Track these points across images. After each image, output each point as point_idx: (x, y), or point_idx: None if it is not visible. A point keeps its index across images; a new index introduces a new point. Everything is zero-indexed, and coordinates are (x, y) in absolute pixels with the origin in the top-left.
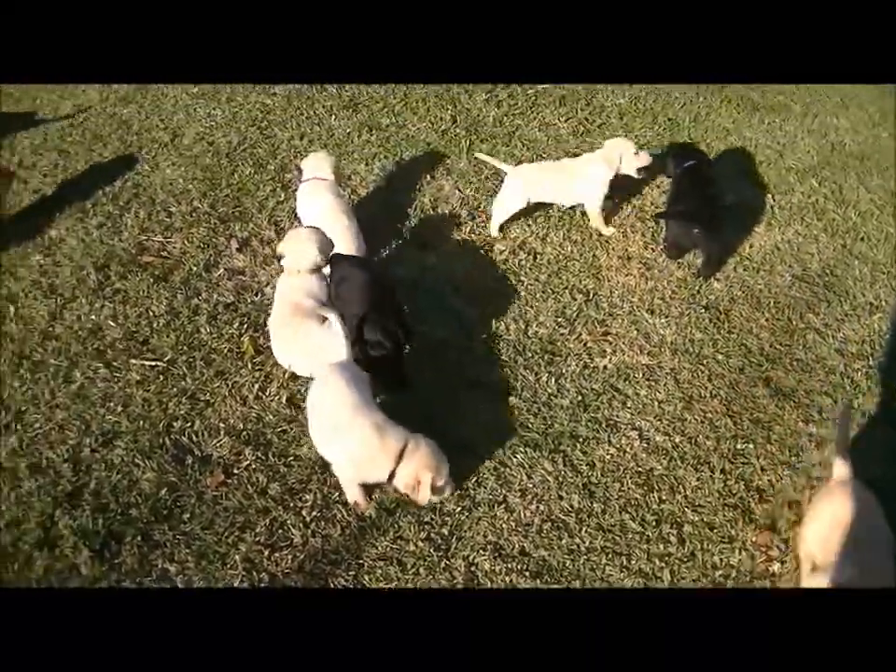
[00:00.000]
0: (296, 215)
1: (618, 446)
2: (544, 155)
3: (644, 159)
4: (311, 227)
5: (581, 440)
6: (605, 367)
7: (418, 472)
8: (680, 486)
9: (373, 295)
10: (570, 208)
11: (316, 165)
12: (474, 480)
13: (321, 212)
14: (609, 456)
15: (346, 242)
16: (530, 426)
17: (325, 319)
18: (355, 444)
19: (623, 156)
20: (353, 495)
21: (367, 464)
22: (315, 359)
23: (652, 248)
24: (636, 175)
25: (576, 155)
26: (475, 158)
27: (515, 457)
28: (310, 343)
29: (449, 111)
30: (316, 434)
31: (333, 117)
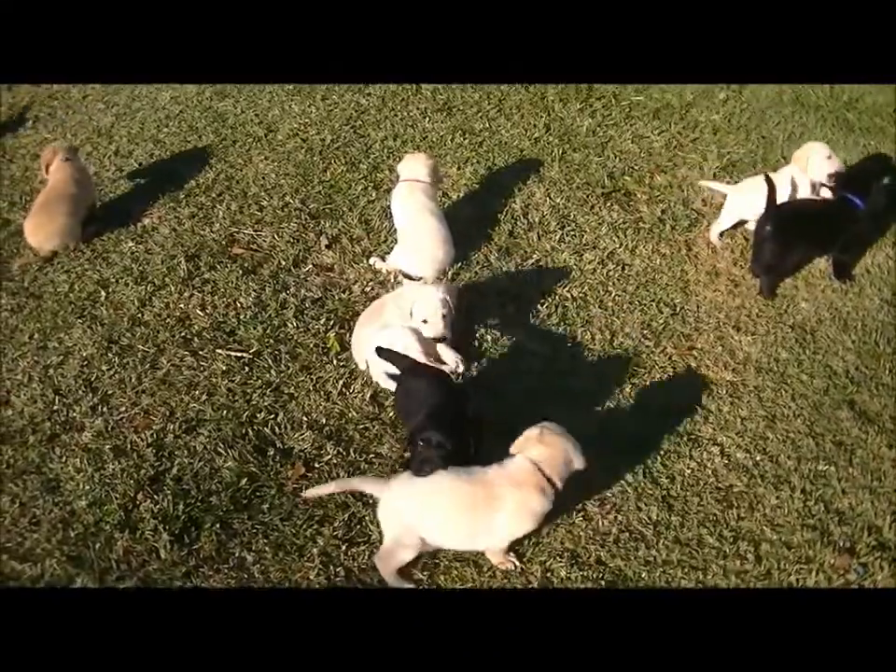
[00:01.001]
0: (387, 214)
1: (699, 460)
2: (635, 168)
3: (835, 164)
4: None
5: (662, 452)
6: (689, 381)
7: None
8: (759, 504)
9: (434, 409)
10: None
11: (414, 167)
12: None
13: (414, 214)
14: (689, 470)
15: (436, 246)
16: (612, 436)
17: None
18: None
19: (813, 160)
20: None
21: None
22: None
23: (741, 265)
24: (826, 182)
25: (665, 171)
26: (699, 186)
27: (596, 465)
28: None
29: (543, 119)
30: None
31: (427, 119)
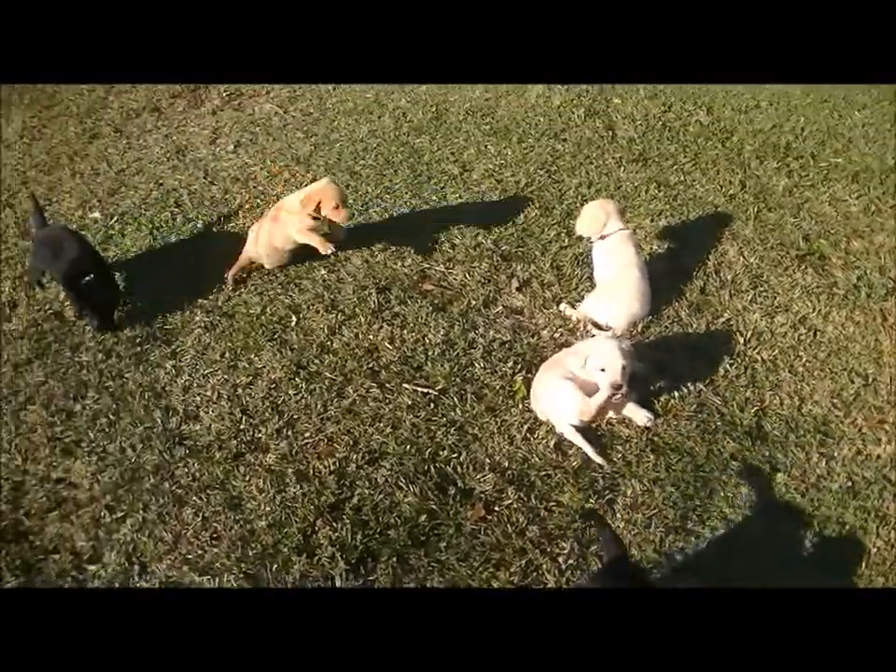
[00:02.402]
0: (579, 261)
1: (885, 539)
2: (831, 231)
3: None
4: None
5: (847, 527)
6: (878, 455)
7: None
8: None
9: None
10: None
11: (619, 218)
12: (735, 552)
13: (620, 264)
14: (875, 549)
15: (634, 298)
16: (795, 505)
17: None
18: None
19: None
20: None
21: None
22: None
23: None
24: None
25: (862, 236)
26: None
27: (778, 535)
28: (549, 395)
29: (738, 175)
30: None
31: (622, 168)
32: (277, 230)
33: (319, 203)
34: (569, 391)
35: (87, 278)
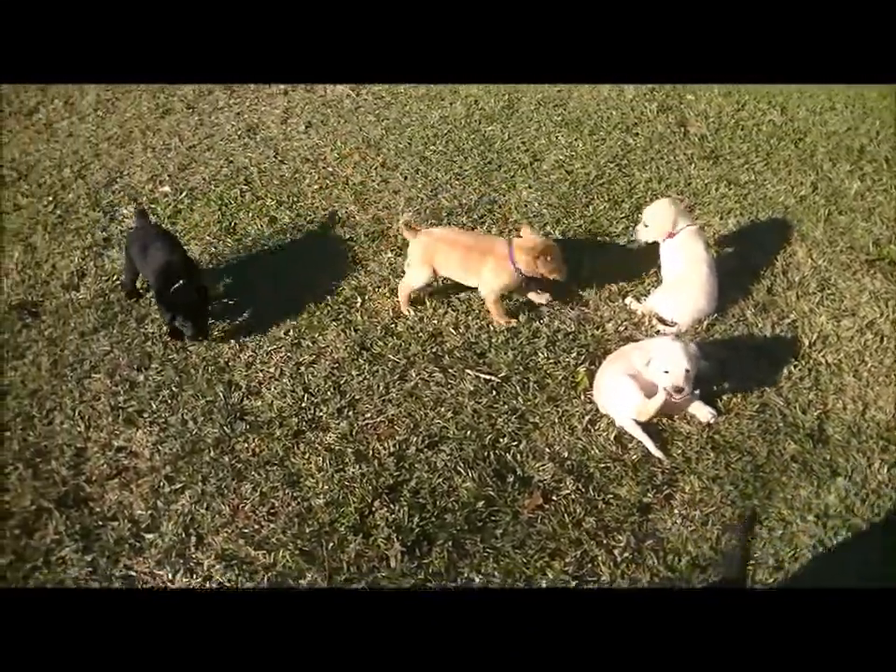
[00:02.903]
0: (647, 255)
1: None
2: None
3: None
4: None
5: None
6: None
7: None
8: None
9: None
10: None
11: (682, 215)
12: (791, 554)
13: (690, 260)
14: None
15: (701, 296)
16: (855, 510)
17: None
18: None
19: None
20: None
21: None
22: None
23: None
24: None
25: None
26: None
27: (836, 539)
28: (611, 389)
29: (810, 177)
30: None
31: (693, 165)
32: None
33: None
34: (631, 388)
35: (177, 284)
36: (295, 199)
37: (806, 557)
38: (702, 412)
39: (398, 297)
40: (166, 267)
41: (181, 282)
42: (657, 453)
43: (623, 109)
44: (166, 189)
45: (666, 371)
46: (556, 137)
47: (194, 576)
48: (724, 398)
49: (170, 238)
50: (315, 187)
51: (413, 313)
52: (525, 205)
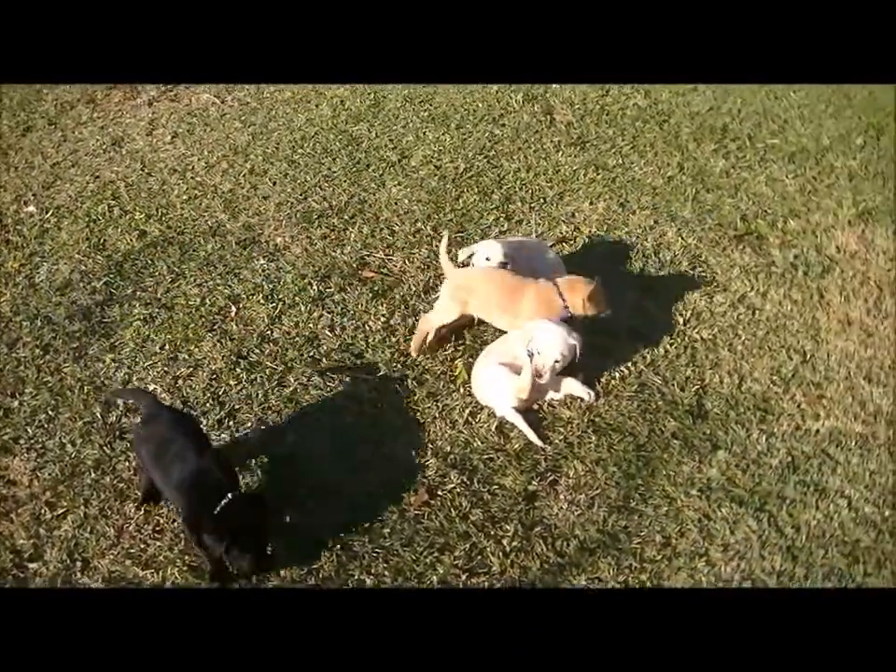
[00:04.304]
0: None
1: (825, 512)
2: (768, 211)
3: None
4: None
5: (787, 501)
6: (817, 430)
7: None
8: (888, 562)
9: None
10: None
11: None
12: (677, 530)
13: None
14: (815, 522)
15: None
16: (737, 481)
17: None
18: None
19: None
20: None
21: None
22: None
23: (874, 315)
24: None
25: (799, 216)
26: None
27: (720, 511)
28: (487, 381)
29: (676, 158)
30: None
31: (560, 153)
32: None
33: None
34: (504, 376)
35: (225, 500)
36: (164, 211)
37: (690, 530)
38: (580, 391)
39: (272, 303)
40: (198, 478)
41: (228, 497)
42: (537, 441)
43: (488, 101)
44: (31, 208)
45: (539, 353)
46: (424, 133)
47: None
48: (603, 380)
49: (194, 430)
50: (184, 197)
51: (419, 357)
52: (395, 203)
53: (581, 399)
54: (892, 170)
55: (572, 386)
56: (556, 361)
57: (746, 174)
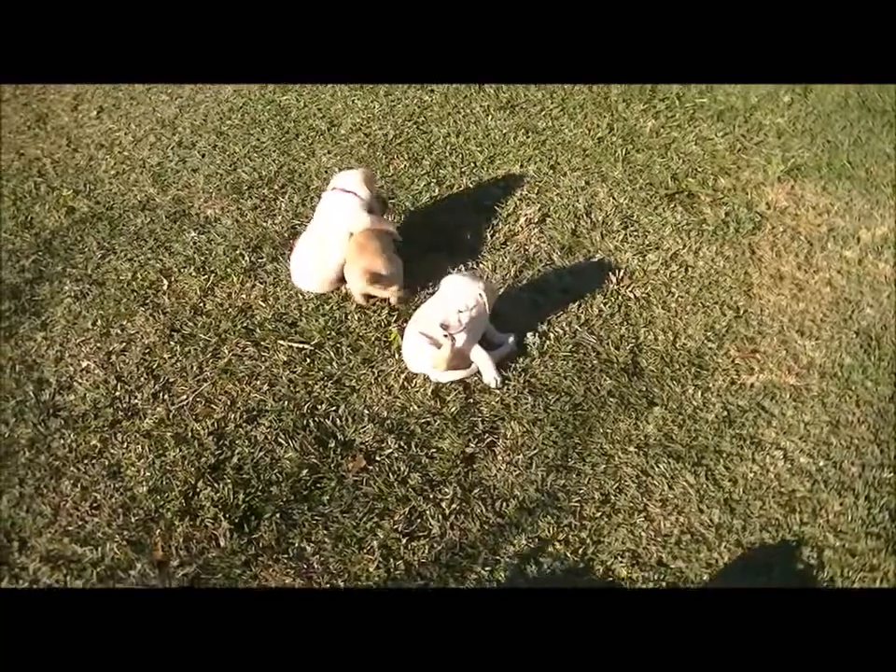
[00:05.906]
0: (448, 210)
1: (761, 464)
2: (699, 170)
3: None
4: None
5: (724, 455)
6: (752, 384)
7: None
8: (823, 510)
9: None
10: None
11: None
12: (615, 486)
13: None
14: (751, 474)
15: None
16: (674, 437)
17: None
18: None
19: None
20: None
21: None
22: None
23: (805, 269)
24: None
25: (729, 173)
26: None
27: (658, 467)
28: (410, 346)
29: (606, 119)
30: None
31: (490, 117)
32: None
33: None
34: (423, 343)
35: None
36: (92, 186)
37: (629, 486)
38: (487, 375)
39: (204, 275)
40: None
41: None
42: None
43: None
44: None
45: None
46: (352, 101)
47: (20, 581)
48: (537, 341)
49: None
50: (112, 172)
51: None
52: (326, 171)
53: (517, 361)
54: (820, 126)
55: (484, 365)
56: (460, 311)
57: (675, 133)
